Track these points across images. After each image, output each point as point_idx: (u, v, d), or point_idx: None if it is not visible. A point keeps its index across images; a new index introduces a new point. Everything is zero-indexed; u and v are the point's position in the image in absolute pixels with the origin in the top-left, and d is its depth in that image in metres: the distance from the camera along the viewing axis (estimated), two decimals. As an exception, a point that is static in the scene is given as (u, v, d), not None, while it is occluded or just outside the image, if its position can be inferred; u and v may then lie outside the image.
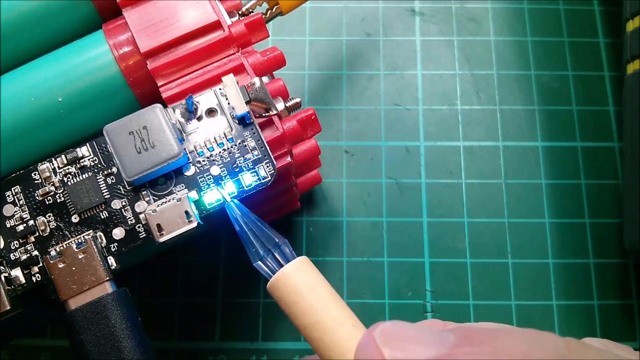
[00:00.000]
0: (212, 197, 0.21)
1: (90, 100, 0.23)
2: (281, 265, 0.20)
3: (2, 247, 0.21)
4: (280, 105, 0.23)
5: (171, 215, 0.21)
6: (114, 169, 0.22)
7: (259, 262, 0.20)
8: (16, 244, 0.21)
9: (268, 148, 0.22)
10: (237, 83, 0.22)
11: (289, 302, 0.19)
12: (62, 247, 0.21)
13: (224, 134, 0.22)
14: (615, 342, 0.19)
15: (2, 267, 0.21)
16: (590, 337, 0.19)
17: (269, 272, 0.20)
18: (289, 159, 0.23)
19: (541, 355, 0.16)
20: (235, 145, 0.22)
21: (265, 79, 0.25)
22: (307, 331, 0.19)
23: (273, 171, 0.22)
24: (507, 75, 0.34)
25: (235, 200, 0.21)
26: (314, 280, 0.20)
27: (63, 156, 0.22)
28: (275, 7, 0.27)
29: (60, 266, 0.21)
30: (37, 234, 0.21)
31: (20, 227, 0.21)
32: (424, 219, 0.31)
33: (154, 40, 0.23)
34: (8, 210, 0.21)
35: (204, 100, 0.22)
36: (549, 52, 0.34)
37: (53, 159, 0.22)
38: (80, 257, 0.21)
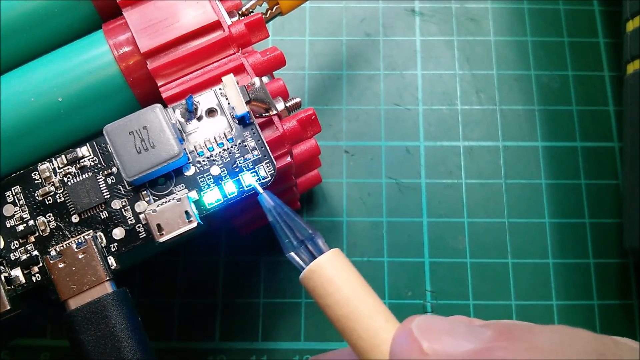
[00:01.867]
0: (212, 197, 0.21)
1: (90, 100, 0.23)
2: (314, 257, 0.20)
3: (2, 247, 0.21)
4: (280, 105, 0.23)
5: (171, 215, 0.21)
6: (114, 169, 0.22)
7: (292, 253, 0.20)
8: (16, 244, 0.21)
9: (268, 148, 0.22)
10: (237, 83, 0.22)
11: (323, 293, 0.19)
12: (62, 247, 0.21)
13: (224, 134, 0.22)
14: (634, 340, 0.19)
15: (2, 267, 0.21)
16: (616, 337, 0.19)
17: (302, 263, 0.20)
18: (289, 159, 0.23)
19: (577, 351, 0.16)
20: (235, 145, 0.22)
21: (265, 79, 0.25)
22: (341, 322, 0.19)
23: (273, 171, 0.22)
24: (507, 75, 0.34)
25: (268, 192, 0.21)
26: (347, 272, 0.20)
27: (63, 156, 0.22)
28: (275, 7, 0.27)
29: (60, 266, 0.21)
30: (37, 234, 0.21)
31: (20, 227, 0.21)
32: (424, 219, 0.31)
33: (154, 40, 0.23)
34: (8, 210, 0.21)
35: (204, 100, 0.22)
36: (549, 52, 0.34)
37: (53, 159, 0.22)
38: (80, 257, 0.21)
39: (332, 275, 0.19)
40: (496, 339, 0.17)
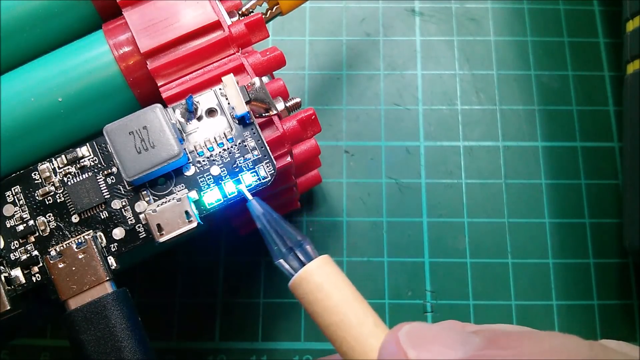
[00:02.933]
0: (212, 197, 0.21)
1: (90, 100, 0.23)
2: (303, 264, 0.20)
3: (2, 247, 0.21)
4: (280, 105, 0.23)
5: (171, 215, 0.21)
6: (114, 169, 0.22)
7: (281, 260, 0.20)
8: (16, 244, 0.21)
9: (268, 148, 0.22)
10: (237, 83, 0.22)
11: (312, 300, 0.19)
12: (62, 247, 0.21)
13: (224, 134, 0.22)
14: (629, 343, 0.19)
15: (2, 267, 0.21)
16: (606, 340, 0.19)
17: (291, 270, 0.20)
18: (289, 159, 0.23)
19: (567, 358, 0.16)
20: (235, 145, 0.22)
21: (265, 79, 0.25)
22: (330, 330, 0.19)
23: (273, 171, 0.22)
24: (507, 75, 0.34)
25: (257, 198, 0.21)
26: (336, 279, 0.20)
27: (63, 156, 0.22)
28: (275, 7, 0.27)
29: (60, 266, 0.21)
30: (37, 234, 0.21)
31: (20, 227, 0.21)
32: (424, 219, 0.31)
33: (154, 40, 0.23)
34: (8, 210, 0.21)
35: (204, 100, 0.22)
36: (549, 52, 0.34)
37: (53, 159, 0.22)
38: (80, 257, 0.21)
39: (321, 282, 0.19)
40: (485, 347, 0.17)
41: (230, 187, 0.22)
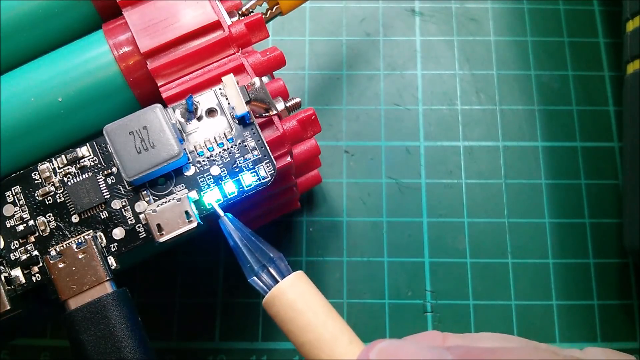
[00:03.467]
0: (212, 197, 0.21)
1: (90, 100, 0.23)
2: (277, 281, 0.20)
3: (2, 247, 0.21)
4: (280, 105, 0.23)
5: (171, 215, 0.21)
6: (114, 169, 0.22)
7: (254, 278, 0.20)
8: (16, 244, 0.21)
9: (268, 148, 0.22)
10: (237, 83, 0.22)
11: (286, 318, 0.19)
12: (62, 247, 0.21)
13: (224, 134, 0.22)
14: (618, 351, 0.19)
15: (2, 267, 0.21)
16: (593, 347, 0.19)
17: (265, 287, 0.20)
18: (289, 159, 0.23)
19: None
20: (235, 145, 0.22)
21: (265, 79, 0.25)
22: (305, 348, 0.19)
23: (273, 171, 0.22)
24: (507, 75, 0.34)
25: (229, 214, 0.21)
26: (310, 296, 0.19)
27: (63, 156, 0.22)
28: (275, 7, 0.27)
29: (60, 266, 0.21)
30: (37, 234, 0.21)
31: (20, 227, 0.21)
32: (424, 219, 0.31)
33: (154, 40, 0.23)
34: (8, 210, 0.21)
35: (204, 100, 0.22)
36: (549, 52, 0.34)
37: (53, 159, 0.22)
38: (80, 257, 0.21)
39: (294, 300, 0.19)
40: None
41: (230, 187, 0.22)
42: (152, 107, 0.21)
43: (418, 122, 0.33)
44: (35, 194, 0.22)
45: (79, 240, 0.21)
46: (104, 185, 0.22)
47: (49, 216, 0.22)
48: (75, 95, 0.23)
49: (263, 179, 0.22)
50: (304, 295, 0.19)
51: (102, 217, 0.22)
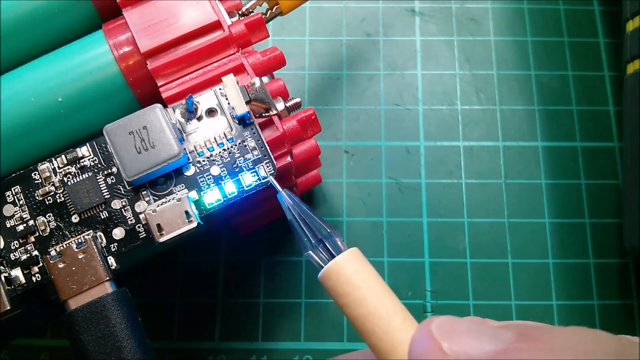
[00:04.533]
0: (212, 197, 0.21)
1: (90, 100, 0.23)
2: (332, 256, 0.20)
3: (2, 247, 0.21)
4: (280, 105, 0.23)
5: (171, 215, 0.21)
6: (114, 169, 0.22)
7: (310, 252, 0.20)
8: (16, 244, 0.21)
9: (268, 148, 0.22)
10: (237, 83, 0.22)
11: (341, 292, 0.19)
12: (62, 247, 0.21)
13: (224, 134, 0.22)
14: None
15: (2, 267, 0.21)
16: (628, 335, 0.19)
17: (320, 262, 0.20)
18: (289, 159, 0.23)
19: (598, 352, 0.16)
20: (235, 145, 0.22)
21: (265, 79, 0.25)
22: (359, 322, 0.19)
23: (273, 171, 0.22)
24: (507, 75, 0.34)
25: (287, 190, 0.21)
26: (366, 272, 0.20)
27: (63, 156, 0.22)
28: (275, 7, 0.27)
29: (60, 266, 0.21)
30: (37, 234, 0.21)
31: (20, 227, 0.21)
32: (424, 219, 0.31)
33: (154, 40, 0.23)
34: (8, 210, 0.21)
35: (204, 100, 0.22)
36: (549, 52, 0.34)
37: (53, 159, 0.22)
38: (80, 257, 0.21)
39: (350, 274, 0.19)
40: (516, 340, 0.17)
41: (230, 187, 0.22)
42: (152, 107, 0.21)
43: (418, 122, 0.33)
44: (35, 194, 0.22)
45: (79, 240, 0.21)
46: (104, 185, 0.22)
47: (49, 216, 0.22)
48: (75, 95, 0.23)
49: (263, 179, 0.22)
50: (360, 271, 0.19)
51: (102, 217, 0.22)
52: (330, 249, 0.20)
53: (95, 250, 0.21)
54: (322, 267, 0.20)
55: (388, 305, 0.19)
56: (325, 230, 0.20)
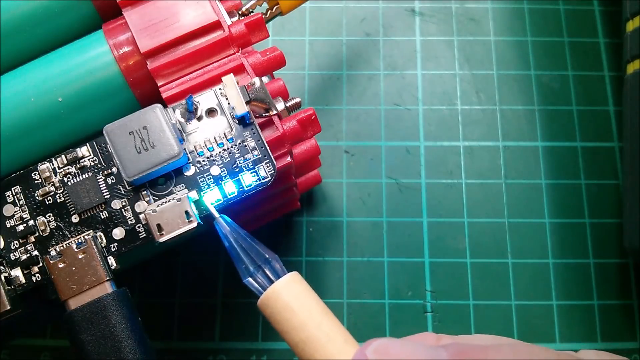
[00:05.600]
0: (212, 197, 0.21)
1: (90, 100, 0.23)
2: (272, 282, 0.20)
3: (2, 247, 0.21)
4: (280, 105, 0.23)
5: (171, 215, 0.21)
6: (114, 169, 0.22)
7: (249, 279, 0.20)
8: (16, 244, 0.21)
9: (268, 148, 0.22)
10: (237, 83, 0.22)
11: (280, 318, 0.19)
12: (62, 247, 0.21)
13: (224, 134, 0.22)
14: (612, 353, 0.19)
15: (2, 267, 0.21)
16: (587, 350, 0.19)
17: (260, 288, 0.20)
18: (289, 159, 0.23)
19: None
20: (235, 145, 0.22)
21: (265, 79, 0.25)
22: (299, 348, 0.19)
23: (273, 171, 0.22)
24: (507, 75, 0.34)
25: (224, 216, 0.21)
26: (305, 296, 0.19)
27: (63, 156, 0.22)
28: (275, 7, 0.27)
29: (60, 266, 0.21)
30: (37, 234, 0.21)
31: (20, 227, 0.21)
32: (424, 219, 0.31)
33: (154, 40, 0.23)
34: (8, 210, 0.21)
35: (204, 100, 0.22)
36: (549, 52, 0.34)
37: (53, 159, 0.22)
38: (80, 257, 0.21)
39: (289, 300, 0.19)
40: None
41: (230, 187, 0.22)
42: (152, 107, 0.21)
43: (418, 122, 0.33)
44: (35, 194, 0.22)
45: (79, 240, 0.21)
46: (104, 185, 0.22)
47: (49, 216, 0.22)
48: (75, 95, 0.23)
49: (263, 179, 0.22)
50: (298, 296, 0.19)
51: (102, 217, 0.22)
52: (269, 274, 0.20)
53: (95, 250, 0.21)
54: (261, 293, 0.20)
55: (327, 330, 0.19)
56: (264, 255, 0.20)
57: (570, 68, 0.34)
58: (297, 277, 0.20)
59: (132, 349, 0.20)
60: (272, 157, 0.22)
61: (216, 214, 0.21)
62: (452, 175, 0.32)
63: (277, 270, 0.20)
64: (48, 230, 0.21)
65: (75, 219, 0.22)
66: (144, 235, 0.21)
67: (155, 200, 0.21)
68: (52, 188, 0.22)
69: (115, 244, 0.21)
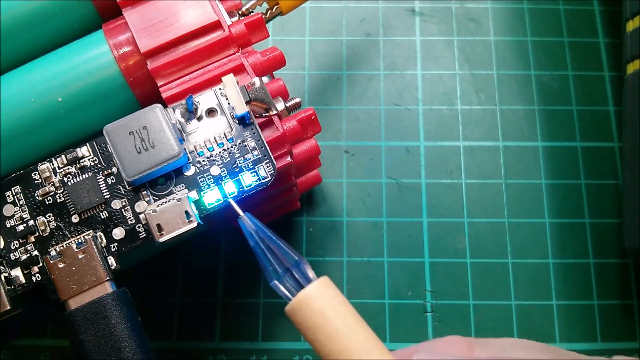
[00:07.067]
0: (212, 197, 0.21)
1: (90, 100, 0.23)
2: (301, 286, 0.18)
3: (2, 247, 0.21)
4: (280, 105, 0.23)
5: (171, 215, 0.21)
6: (114, 169, 0.22)
7: (276, 282, 0.19)
8: (16, 244, 0.21)
9: (268, 148, 0.22)
10: (237, 83, 0.22)
11: (312, 326, 0.18)
12: (62, 247, 0.21)
13: (224, 134, 0.22)
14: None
15: (2, 267, 0.21)
16: (619, 356, 0.18)
17: (288, 293, 0.18)
18: (289, 159, 0.23)
19: None
20: (235, 145, 0.22)
21: (265, 79, 0.25)
22: (332, 357, 0.18)
23: (273, 171, 0.22)
24: (507, 75, 0.34)
25: (249, 214, 0.20)
26: (338, 303, 0.18)
27: (63, 156, 0.22)
28: (275, 7, 0.27)
29: (60, 266, 0.21)
30: (37, 234, 0.21)
31: (20, 227, 0.21)
32: (424, 219, 0.31)
33: (154, 40, 0.23)
34: (8, 210, 0.21)
35: (204, 100, 0.22)
36: (549, 52, 0.34)
37: (53, 159, 0.22)
38: (80, 257, 0.21)
39: (322, 306, 0.18)
40: None
41: (230, 187, 0.22)
42: (152, 107, 0.21)
43: (418, 122, 0.33)
44: (35, 194, 0.22)
45: (79, 240, 0.21)
46: (104, 185, 0.22)
47: (49, 216, 0.22)
48: (75, 95, 0.23)
49: (263, 179, 0.22)
50: (332, 302, 0.18)
51: (102, 217, 0.22)
52: (298, 278, 0.19)
53: (95, 250, 0.21)
54: (290, 299, 0.18)
55: (362, 340, 0.18)
56: (293, 257, 0.19)
57: (570, 68, 0.34)
58: (328, 282, 0.19)
59: (132, 349, 0.20)
60: (272, 157, 0.22)
61: (240, 212, 0.20)
62: (452, 175, 0.32)
63: (307, 274, 0.19)
64: (48, 230, 0.21)
65: (75, 219, 0.22)
66: (144, 235, 0.21)
67: (155, 200, 0.21)
68: (52, 188, 0.22)
69: (115, 244, 0.21)
